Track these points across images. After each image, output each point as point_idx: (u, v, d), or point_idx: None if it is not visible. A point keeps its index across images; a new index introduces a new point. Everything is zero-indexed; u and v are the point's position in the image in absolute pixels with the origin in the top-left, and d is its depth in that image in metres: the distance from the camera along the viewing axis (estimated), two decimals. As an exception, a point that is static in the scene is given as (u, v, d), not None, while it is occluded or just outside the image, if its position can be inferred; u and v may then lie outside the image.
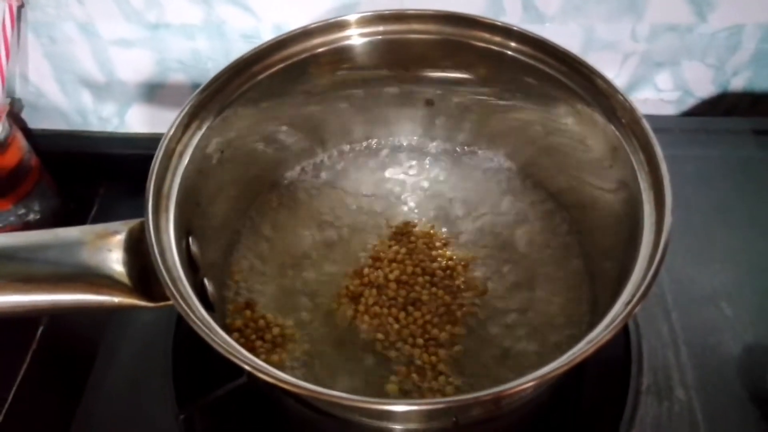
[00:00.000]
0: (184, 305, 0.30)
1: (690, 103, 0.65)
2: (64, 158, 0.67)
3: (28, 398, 0.54)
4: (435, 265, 0.45)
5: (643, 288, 0.31)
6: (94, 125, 0.68)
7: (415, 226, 0.48)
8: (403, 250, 0.46)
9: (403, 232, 0.48)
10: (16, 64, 0.62)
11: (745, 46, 0.59)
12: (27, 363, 0.56)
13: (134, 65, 0.62)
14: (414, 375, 0.41)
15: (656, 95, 0.64)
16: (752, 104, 0.64)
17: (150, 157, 0.71)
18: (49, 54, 0.61)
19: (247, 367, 0.28)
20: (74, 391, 0.47)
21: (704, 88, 0.63)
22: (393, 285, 0.45)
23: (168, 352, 0.45)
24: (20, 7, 0.56)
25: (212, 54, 0.61)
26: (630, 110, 0.38)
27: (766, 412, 0.44)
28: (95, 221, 0.68)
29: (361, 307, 0.44)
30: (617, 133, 0.38)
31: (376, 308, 0.43)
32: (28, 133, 0.66)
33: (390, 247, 0.47)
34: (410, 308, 0.44)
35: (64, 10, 0.57)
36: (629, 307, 0.30)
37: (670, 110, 0.66)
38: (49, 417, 0.49)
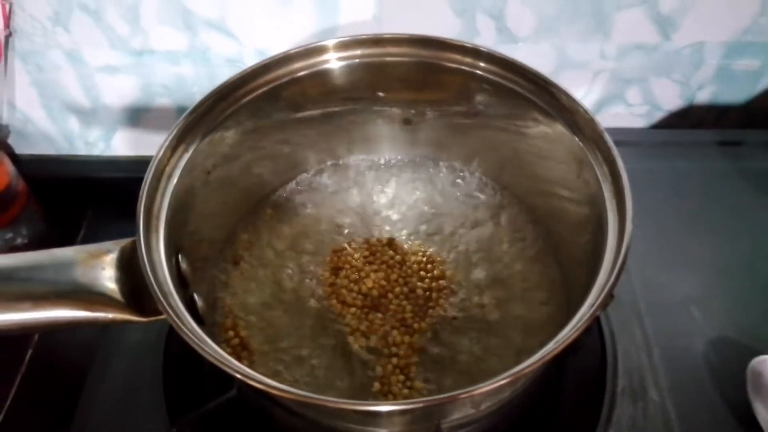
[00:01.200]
0: (176, 319, 0.31)
1: (658, 116, 0.67)
2: (51, 183, 0.68)
3: (19, 419, 0.54)
4: (414, 279, 0.47)
5: (606, 290, 0.33)
6: (81, 150, 0.69)
7: (393, 239, 0.50)
8: (382, 263, 0.48)
9: (382, 245, 0.50)
10: (4, 92, 0.63)
11: (707, 62, 0.61)
12: (16, 386, 0.56)
13: (120, 91, 0.64)
14: (394, 377, 0.43)
15: (626, 109, 0.67)
16: (718, 117, 0.67)
17: (136, 180, 0.72)
18: (36, 81, 0.62)
19: (238, 376, 0.30)
20: (65, 411, 0.48)
21: (671, 102, 0.66)
22: (372, 291, 0.47)
23: (158, 367, 0.46)
24: (8, 36, 0.57)
25: (197, 79, 0.62)
26: (592, 125, 0.40)
27: (735, 410, 0.46)
28: (83, 244, 0.68)
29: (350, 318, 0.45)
30: (582, 146, 0.40)
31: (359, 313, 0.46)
32: (15, 159, 0.66)
33: (367, 258, 0.49)
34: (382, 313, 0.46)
35: (52, 38, 0.58)
36: (593, 308, 0.32)
37: (640, 123, 0.68)
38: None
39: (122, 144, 0.69)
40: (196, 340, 0.31)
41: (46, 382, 0.57)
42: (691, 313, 0.51)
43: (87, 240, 0.68)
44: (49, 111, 0.65)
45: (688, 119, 0.67)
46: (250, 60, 0.61)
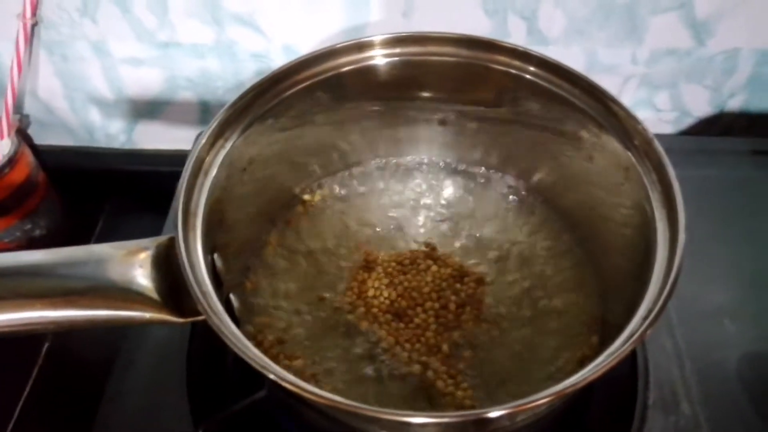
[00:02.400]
0: (216, 320, 0.31)
1: (687, 122, 0.67)
2: (70, 174, 0.68)
3: (35, 416, 0.54)
4: (448, 292, 0.46)
5: (660, 303, 0.32)
6: (101, 142, 0.69)
7: (434, 248, 0.49)
8: (417, 273, 0.47)
9: (415, 255, 0.48)
10: (27, 81, 0.62)
11: (741, 69, 0.61)
12: (32, 380, 0.56)
13: (143, 83, 0.63)
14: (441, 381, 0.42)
15: (655, 115, 0.66)
16: (748, 125, 0.66)
17: (156, 174, 0.72)
18: (60, 72, 0.62)
19: (284, 384, 0.29)
20: (84, 408, 0.47)
21: (701, 108, 0.65)
22: (401, 299, 0.46)
23: (182, 366, 0.45)
24: (34, 25, 0.57)
25: (221, 73, 0.62)
26: (643, 132, 0.39)
27: (770, 425, 0.45)
28: (100, 237, 0.68)
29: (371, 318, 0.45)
30: (630, 154, 0.39)
31: (384, 316, 0.45)
32: (35, 150, 0.66)
33: (399, 265, 0.47)
34: (415, 319, 0.45)
35: (78, 29, 0.58)
36: (647, 322, 0.31)
37: (668, 129, 0.67)
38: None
39: (143, 137, 0.69)
40: (237, 344, 0.30)
41: (63, 378, 0.57)
42: (724, 325, 0.50)
43: (105, 232, 0.68)
44: (71, 102, 0.65)
45: (717, 126, 0.66)
46: (277, 56, 0.60)
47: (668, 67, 0.61)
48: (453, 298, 0.45)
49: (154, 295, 0.33)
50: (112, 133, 0.68)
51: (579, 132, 0.43)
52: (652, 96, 0.64)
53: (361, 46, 0.43)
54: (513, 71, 0.43)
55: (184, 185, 0.36)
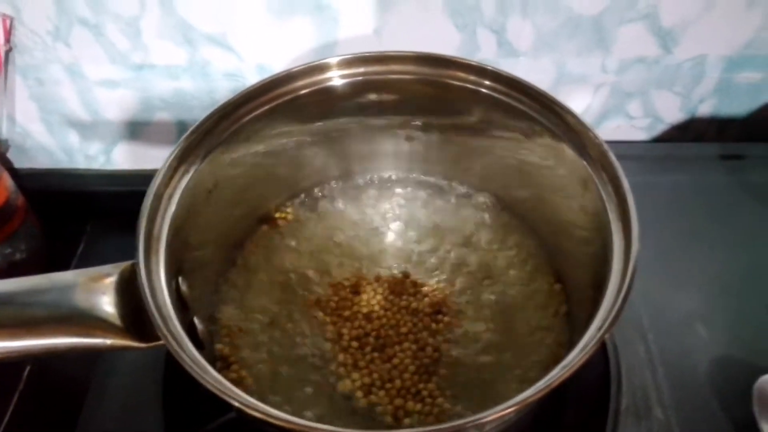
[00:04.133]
0: (175, 345, 0.31)
1: (660, 129, 0.67)
2: (50, 197, 0.68)
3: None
4: (413, 302, 0.47)
5: (612, 314, 0.32)
6: (81, 163, 0.69)
7: (408, 276, 0.49)
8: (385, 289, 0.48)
9: (383, 276, 0.49)
10: (4, 106, 0.63)
11: (709, 75, 0.61)
12: (14, 403, 0.56)
13: (119, 105, 0.63)
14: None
15: (628, 122, 0.66)
16: (719, 130, 0.67)
17: (136, 194, 0.72)
18: (35, 95, 0.62)
19: (237, 404, 0.29)
20: (64, 429, 0.48)
21: (673, 114, 0.66)
22: (375, 320, 0.46)
23: (158, 386, 0.46)
24: (8, 51, 0.57)
25: (196, 93, 0.62)
26: (598, 144, 0.39)
27: (740, 430, 0.45)
28: (82, 259, 0.68)
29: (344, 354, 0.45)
30: (587, 166, 0.40)
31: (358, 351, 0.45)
32: (14, 173, 0.66)
33: (366, 285, 0.48)
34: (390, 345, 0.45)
35: (52, 53, 0.58)
36: (600, 332, 0.32)
37: (642, 136, 0.68)
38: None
39: (122, 158, 0.69)
40: (195, 368, 0.30)
41: (44, 399, 0.57)
42: (696, 330, 0.51)
43: (86, 255, 0.68)
44: (49, 125, 0.65)
45: (690, 132, 0.67)
46: (250, 75, 0.61)
47: (638, 75, 0.61)
48: (430, 341, 0.45)
49: (117, 321, 0.33)
50: (91, 154, 0.68)
51: (539, 144, 0.44)
52: (624, 103, 0.64)
53: (319, 68, 0.44)
54: (470, 86, 0.44)
55: (146, 211, 0.36)
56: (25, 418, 0.55)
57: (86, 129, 0.66)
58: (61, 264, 0.64)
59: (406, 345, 0.45)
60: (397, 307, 0.47)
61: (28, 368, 0.58)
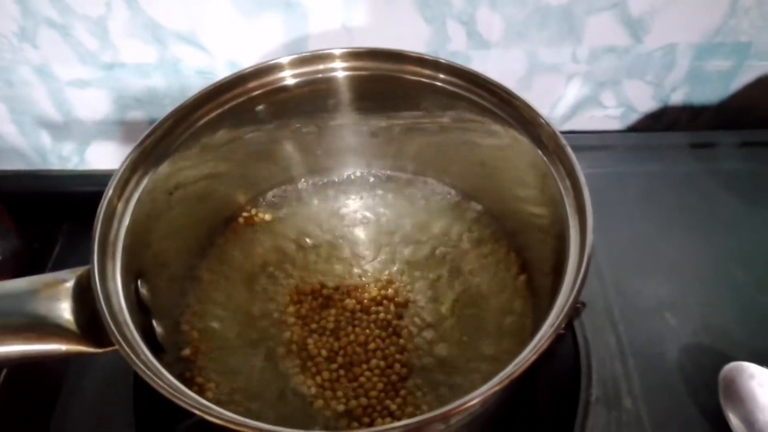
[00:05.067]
0: (128, 350, 0.31)
1: (634, 118, 0.67)
2: (24, 198, 0.68)
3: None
4: (381, 312, 0.47)
5: (567, 305, 0.32)
6: (54, 164, 0.69)
7: (362, 287, 0.49)
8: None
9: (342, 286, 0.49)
10: (-27, 109, 0.62)
11: (679, 63, 0.61)
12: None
13: (91, 104, 0.63)
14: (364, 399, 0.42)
15: (602, 112, 0.66)
16: (692, 118, 0.67)
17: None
18: (5, 97, 0.62)
19: (192, 410, 0.29)
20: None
21: (646, 103, 0.66)
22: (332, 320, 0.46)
23: (129, 390, 0.46)
24: (-26, 54, 0.57)
25: (168, 91, 0.62)
26: (555, 138, 0.39)
27: (708, 417, 0.46)
28: (58, 260, 0.68)
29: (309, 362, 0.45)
30: (545, 159, 0.40)
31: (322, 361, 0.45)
32: (-12, 176, 0.66)
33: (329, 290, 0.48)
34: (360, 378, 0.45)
35: (20, 54, 0.58)
36: (557, 322, 0.32)
37: (616, 125, 0.68)
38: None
39: (96, 158, 0.69)
40: (148, 372, 0.30)
41: (17, 401, 0.57)
42: (665, 319, 0.51)
43: (63, 256, 0.68)
44: (21, 126, 0.65)
45: (663, 120, 0.67)
46: (222, 71, 0.60)
47: (609, 64, 0.61)
48: (398, 356, 0.45)
49: (73, 327, 0.33)
50: (65, 155, 0.68)
51: (498, 137, 0.44)
52: (597, 93, 0.64)
53: (269, 69, 0.43)
54: (425, 80, 0.44)
55: (101, 215, 0.36)
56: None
57: (58, 130, 0.65)
58: (39, 265, 0.64)
59: (374, 362, 0.44)
60: (366, 322, 0.47)
61: (5, 371, 0.58)
